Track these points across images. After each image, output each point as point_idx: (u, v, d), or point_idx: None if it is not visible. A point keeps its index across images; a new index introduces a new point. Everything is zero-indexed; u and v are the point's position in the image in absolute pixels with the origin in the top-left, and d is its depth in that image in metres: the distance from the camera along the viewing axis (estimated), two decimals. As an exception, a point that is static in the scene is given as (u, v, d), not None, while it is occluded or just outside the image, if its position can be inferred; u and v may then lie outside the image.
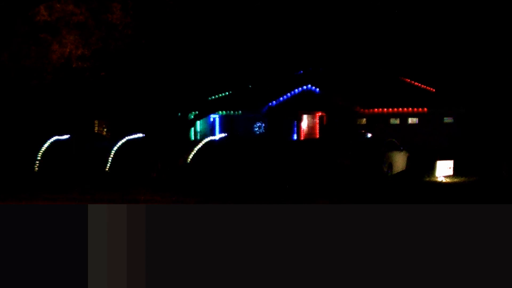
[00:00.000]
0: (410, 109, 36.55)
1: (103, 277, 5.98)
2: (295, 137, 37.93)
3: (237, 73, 34.06)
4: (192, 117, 33.63)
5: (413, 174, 19.57)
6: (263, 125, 38.32)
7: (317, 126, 38.40)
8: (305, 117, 38.80)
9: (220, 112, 38.37)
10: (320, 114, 38.05)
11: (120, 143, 23.65)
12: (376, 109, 36.71)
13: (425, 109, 36.01)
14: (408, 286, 5.92)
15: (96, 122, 36.23)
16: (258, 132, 38.24)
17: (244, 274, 5.98)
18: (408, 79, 36.98)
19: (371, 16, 28.57)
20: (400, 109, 36.64)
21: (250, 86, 35.80)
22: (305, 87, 37.52)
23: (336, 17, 27.74)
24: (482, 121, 34.38)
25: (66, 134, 23.75)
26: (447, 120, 36.14)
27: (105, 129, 36.62)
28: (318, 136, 37.70)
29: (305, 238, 6.05)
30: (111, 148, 22.69)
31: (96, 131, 35.42)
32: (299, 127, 38.26)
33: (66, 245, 6.02)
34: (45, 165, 21.37)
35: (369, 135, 20.31)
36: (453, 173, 18.89)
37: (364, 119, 37.22)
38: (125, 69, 22.07)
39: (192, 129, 37.78)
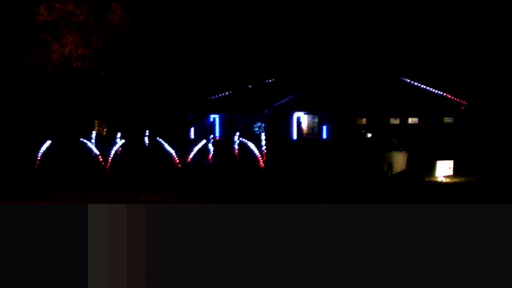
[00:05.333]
0: (410, 109, 36.55)
1: (103, 277, 5.98)
2: (295, 137, 37.97)
3: (237, 73, 34.02)
4: (192, 117, 33.62)
5: (413, 174, 19.57)
6: (263, 125, 38.34)
7: (317, 126, 38.43)
8: (305, 117, 38.82)
9: (220, 112, 38.38)
10: (320, 114, 38.06)
11: (120, 143, 23.63)
12: (376, 109, 36.72)
13: (425, 109, 36.02)
14: (408, 286, 5.92)
15: (96, 122, 36.26)
16: (258, 132, 38.22)
17: (244, 274, 5.98)
18: (409, 79, 37.00)
19: (371, 16, 28.57)
20: (400, 109, 36.64)
21: (250, 87, 35.81)
22: (305, 87, 37.51)
23: (336, 16, 27.74)
24: (482, 121, 34.39)
25: (66, 134, 23.75)
26: (447, 120, 36.17)
27: (105, 129, 36.64)
28: (318, 136, 37.74)
29: (305, 238, 6.06)
30: (111, 149, 22.69)
31: (96, 131, 35.43)
32: (299, 127, 38.29)
33: (66, 245, 6.02)
34: (45, 165, 21.38)
35: (369, 135, 20.29)
36: (453, 173, 18.89)
37: (364, 119, 37.24)
38: (125, 69, 22.08)
39: (192, 129, 37.80)
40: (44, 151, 21.59)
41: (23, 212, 6.23)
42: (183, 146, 24.54)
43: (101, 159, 22.14)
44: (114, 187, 16.19)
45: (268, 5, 23.01)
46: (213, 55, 25.76)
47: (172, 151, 22.25)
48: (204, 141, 24.54)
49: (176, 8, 19.45)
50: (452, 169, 18.91)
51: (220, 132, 38.53)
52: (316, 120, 38.40)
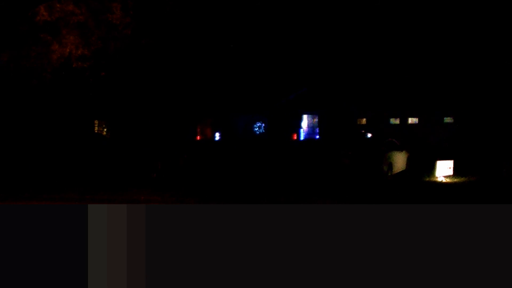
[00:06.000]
0: (410, 109, 36.56)
1: (103, 277, 5.98)
2: (295, 137, 37.97)
3: (237, 73, 34.03)
4: (193, 117, 33.63)
5: (413, 174, 19.57)
6: (263, 125, 38.34)
7: (317, 126, 38.43)
8: (305, 117, 38.83)
9: (221, 112, 38.39)
10: (320, 114, 38.06)
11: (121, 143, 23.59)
12: (376, 109, 36.74)
13: (425, 109, 36.04)
14: (408, 286, 5.92)
15: (96, 122, 36.22)
16: (258, 132, 38.23)
17: (244, 274, 5.98)
18: (409, 78, 37.02)
19: (371, 17, 28.57)
20: (400, 109, 36.66)
21: (250, 86, 35.83)
22: (305, 87, 37.52)
23: (337, 17, 27.74)
24: (482, 121, 34.39)
25: (66, 134, 23.71)
26: (447, 120, 36.19)
27: (105, 129, 36.60)
28: (318, 136, 37.75)
29: (305, 238, 6.06)
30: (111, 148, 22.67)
31: (96, 131, 35.38)
32: (299, 127, 38.29)
33: (66, 245, 6.02)
34: (45, 165, 21.36)
35: (369, 135, 20.32)
36: (453, 173, 18.90)
37: (364, 119, 37.28)
38: (125, 69, 22.08)
39: (192, 129, 37.82)
40: (44, 151, 21.57)
41: (23, 212, 6.23)
42: (183, 145, 24.54)
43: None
44: (114, 187, 16.19)
45: (269, 5, 23.00)
46: (212, 54, 25.78)
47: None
48: (204, 141, 24.54)
49: (176, 8, 19.45)
50: (452, 169, 18.92)
51: (221, 132, 38.51)
52: (316, 120, 38.39)
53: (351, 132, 34.48)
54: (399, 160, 19.35)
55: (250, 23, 24.10)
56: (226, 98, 37.63)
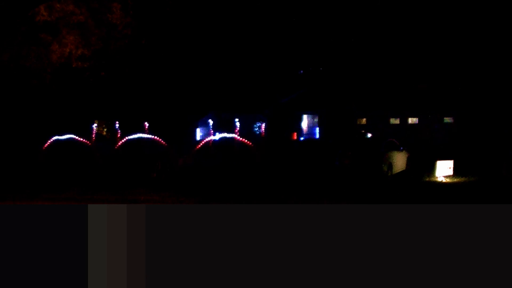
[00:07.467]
0: (410, 109, 36.54)
1: (103, 277, 5.98)
2: (295, 137, 37.95)
3: (237, 73, 34.02)
4: (192, 117, 33.61)
5: (413, 174, 19.57)
6: (263, 125, 38.32)
7: (317, 126, 38.43)
8: (305, 117, 38.81)
9: (220, 112, 38.36)
10: (320, 114, 38.03)
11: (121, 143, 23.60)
12: (376, 109, 36.73)
13: (425, 109, 36.03)
14: (408, 286, 5.92)
15: (96, 122, 36.21)
16: (258, 132, 38.21)
17: (244, 274, 5.98)
18: (409, 79, 37.01)
19: (371, 16, 28.59)
20: (400, 109, 36.64)
21: (250, 86, 35.82)
22: (305, 87, 37.49)
23: (337, 17, 27.74)
24: (482, 121, 34.38)
25: (66, 134, 23.72)
26: (447, 120, 36.19)
27: (105, 129, 36.60)
28: (318, 136, 37.74)
29: (306, 238, 6.06)
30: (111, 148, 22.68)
31: (96, 131, 35.37)
32: (299, 127, 38.28)
33: (66, 245, 6.02)
34: (45, 165, 21.38)
35: (369, 135, 20.32)
36: (453, 173, 18.90)
37: (364, 119, 37.25)
38: (125, 69, 22.08)
39: (192, 129, 37.80)
40: (44, 151, 21.60)
41: (23, 212, 6.23)
42: (183, 145, 24.53)
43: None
44: (114, 187, 16.19)
45: (270, 5, 23.01)
46: (212, 54, 25.78)
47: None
48: (204, 141, 24.54)
49: (176, 8, 19.45)
50: (452, 169, 18.93)
51: (220, 132, 38.47)
52: (316, 120, 38.37)
53: (351, 132, 34.45)
54: (399, 160, 19.34)
55: (250, 23, 24.10)
56: (226, 98, 37.62)
